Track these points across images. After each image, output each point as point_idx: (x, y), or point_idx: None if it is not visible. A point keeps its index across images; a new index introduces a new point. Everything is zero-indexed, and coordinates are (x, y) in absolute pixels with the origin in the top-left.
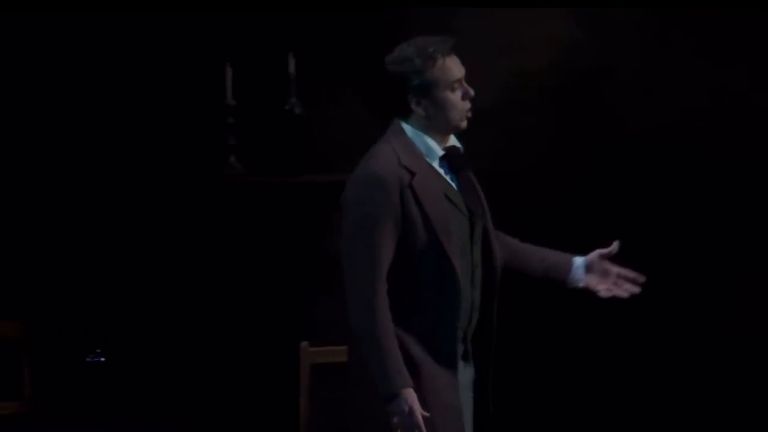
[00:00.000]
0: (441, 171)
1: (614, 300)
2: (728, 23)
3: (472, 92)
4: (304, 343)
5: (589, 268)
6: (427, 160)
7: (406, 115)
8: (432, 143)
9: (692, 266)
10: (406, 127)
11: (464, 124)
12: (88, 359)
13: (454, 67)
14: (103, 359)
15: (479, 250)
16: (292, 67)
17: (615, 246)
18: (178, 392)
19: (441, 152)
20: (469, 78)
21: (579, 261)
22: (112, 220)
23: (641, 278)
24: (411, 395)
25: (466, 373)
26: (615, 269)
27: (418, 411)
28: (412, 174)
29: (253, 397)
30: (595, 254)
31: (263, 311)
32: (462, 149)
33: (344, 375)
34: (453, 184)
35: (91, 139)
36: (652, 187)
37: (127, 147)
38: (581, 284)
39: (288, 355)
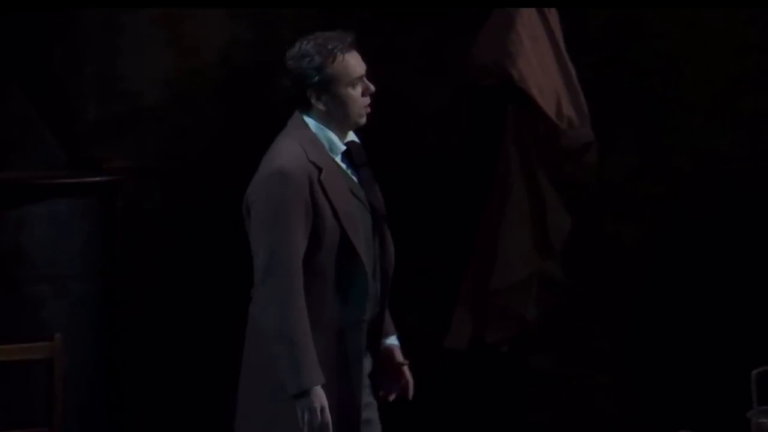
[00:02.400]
0: (343, 166)
1: None
2: (388, 22)
3: (372, 88)
4: None
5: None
6: (331, 155)
7: (306, 109)
8: (334, 138)
9: None
10: (309, 121)
11: (363, 120)
12: None
13: (355, 64)
14: None
15: (378, 244)
16: None
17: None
18: None
19: (343, 147)
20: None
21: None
22: None
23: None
24: (322, 393)
25: (366, 365)
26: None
27: (327, 410)
28: (320, 169)
29: None
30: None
31: None
32: (360, 144)
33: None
34: (354, 179)
35: None
36: None
37: None
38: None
39: None
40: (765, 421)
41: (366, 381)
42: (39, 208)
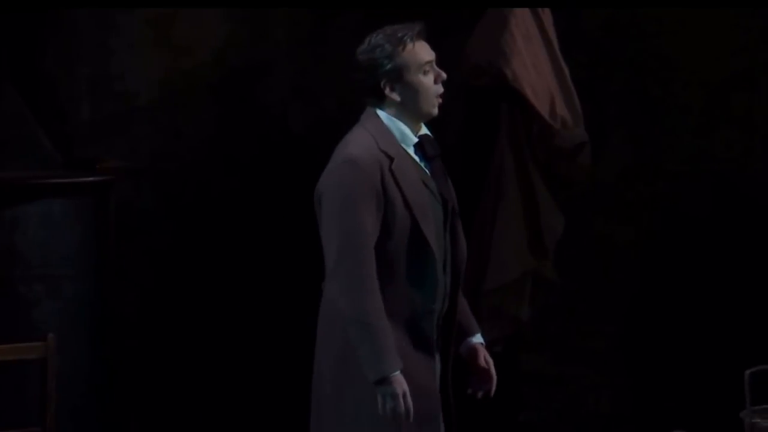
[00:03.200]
0: (416, 158)
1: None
2: (381, 22)
3: (444, 75)
4: None
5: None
6: (402, 146)
7: (380, 102)
8: (406, 130)
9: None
10: (381, 114)
11: (436, 110)
12: None
13: (423, 51)
14: None
15: (449, 237)
16: None
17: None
18: None
19: (415, 139)
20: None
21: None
22: None
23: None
24: (402, 378)
25: (436, 362)
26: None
27: (408, 395)
28: (391, 159)
29: None
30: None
31: None
32: (433, 137)
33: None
34: (426, 171)
35: None
36: (311, 185)
37: None
38: (475, 344)
39: None
40: (758, 421)
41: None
42: (33, 208)
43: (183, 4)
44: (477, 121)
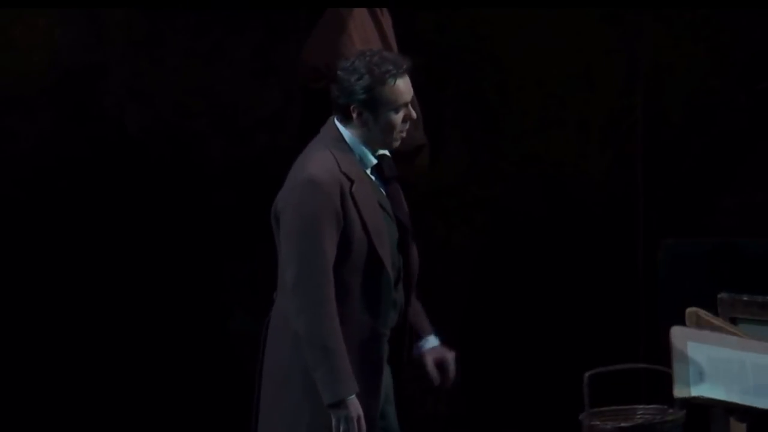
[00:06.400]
0: (372, 178)
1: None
2: (218, 24)
3: (414, 115)
4: None
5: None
6: (361, 167)
7: (345, 120)
8: (367, 152)
9: (185, 265)
10: (344, 132)
11: (397, 143)
12: None
13: (404, 90)
14: None
15: (402, 256)
16: None
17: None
18: None
19: (374, 161)
20: None
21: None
22: None
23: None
24: (357, 402)
25: (387, 375)
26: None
27: (363, 419)
28: (351, 181)
29: None
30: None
31: None
32: (390, 158)
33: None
34: (383, 192)
35: None
36: (147, 187)
37: None
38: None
39: None
40: (597, 423)
41: (390, 394)
42: None
43: (18, 4)
44: (315, 124)
